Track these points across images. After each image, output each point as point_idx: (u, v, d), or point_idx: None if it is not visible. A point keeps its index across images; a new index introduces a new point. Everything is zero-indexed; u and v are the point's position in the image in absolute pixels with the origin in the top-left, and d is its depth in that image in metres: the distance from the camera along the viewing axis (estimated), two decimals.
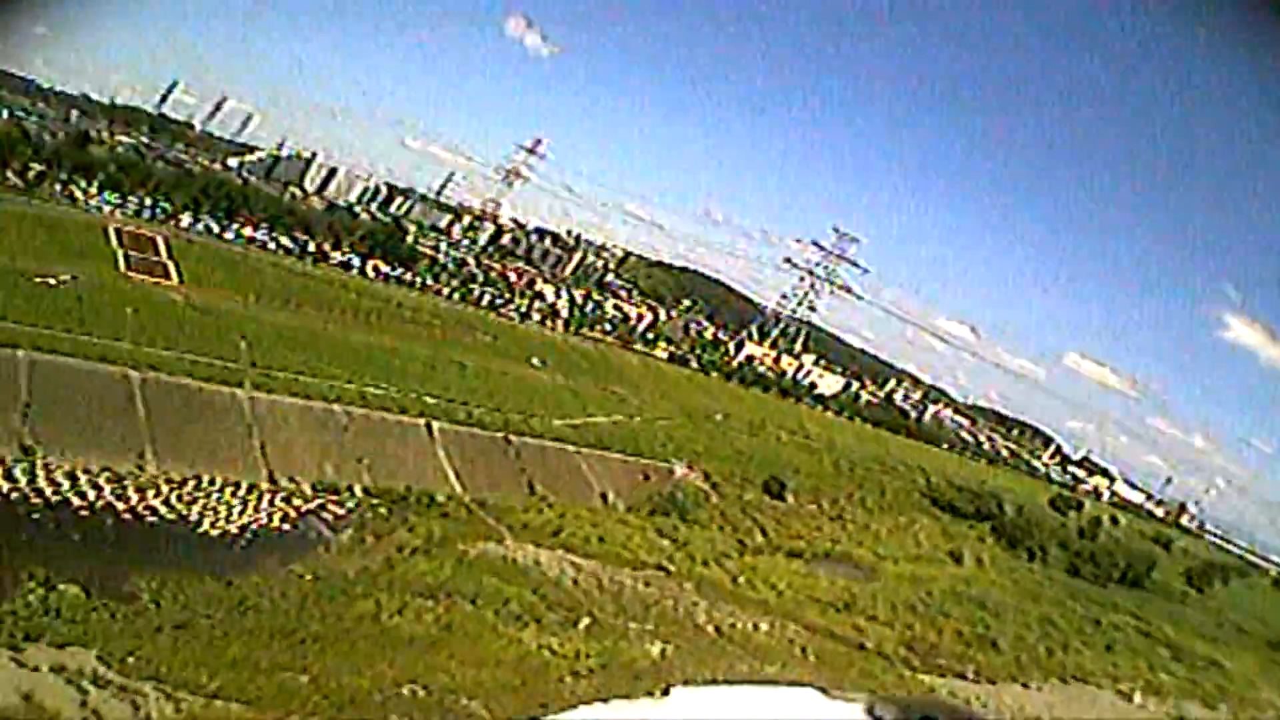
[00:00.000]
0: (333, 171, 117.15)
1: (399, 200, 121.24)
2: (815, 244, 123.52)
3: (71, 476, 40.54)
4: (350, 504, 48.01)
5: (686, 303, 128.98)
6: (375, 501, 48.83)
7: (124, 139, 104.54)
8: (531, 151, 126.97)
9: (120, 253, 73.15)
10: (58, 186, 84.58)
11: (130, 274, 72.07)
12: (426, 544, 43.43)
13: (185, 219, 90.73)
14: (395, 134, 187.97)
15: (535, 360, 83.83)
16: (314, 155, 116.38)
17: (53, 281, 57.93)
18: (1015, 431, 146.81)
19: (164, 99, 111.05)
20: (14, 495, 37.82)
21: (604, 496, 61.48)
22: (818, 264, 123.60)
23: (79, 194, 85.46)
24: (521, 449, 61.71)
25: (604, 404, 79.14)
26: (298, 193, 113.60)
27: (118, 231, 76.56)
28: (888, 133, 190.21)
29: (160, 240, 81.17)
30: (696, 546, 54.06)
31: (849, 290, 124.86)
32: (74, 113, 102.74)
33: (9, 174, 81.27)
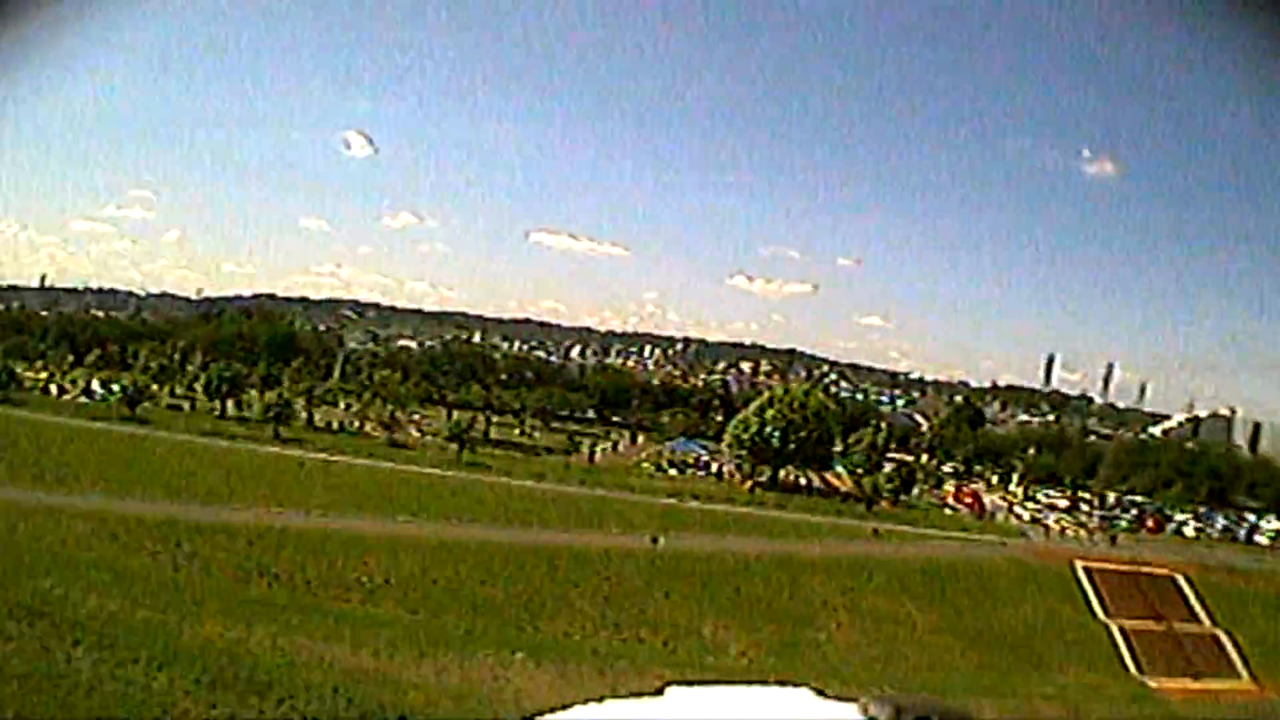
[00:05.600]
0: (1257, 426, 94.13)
1: None
2: None
3: None
4: None
5: None
6: None
7: (1022, 416, 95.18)
8: None
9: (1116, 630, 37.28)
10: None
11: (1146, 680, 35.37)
12: None
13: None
14: None
15: None
16: (1234, 411, 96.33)
17: None
18: None
19: (1047, 376, 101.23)
20: None
21: None
22: None
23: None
24: None
25: None
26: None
27: (1089, 572, 41.46)
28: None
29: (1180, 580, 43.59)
30: None
31: None
32: (955, 398, 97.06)
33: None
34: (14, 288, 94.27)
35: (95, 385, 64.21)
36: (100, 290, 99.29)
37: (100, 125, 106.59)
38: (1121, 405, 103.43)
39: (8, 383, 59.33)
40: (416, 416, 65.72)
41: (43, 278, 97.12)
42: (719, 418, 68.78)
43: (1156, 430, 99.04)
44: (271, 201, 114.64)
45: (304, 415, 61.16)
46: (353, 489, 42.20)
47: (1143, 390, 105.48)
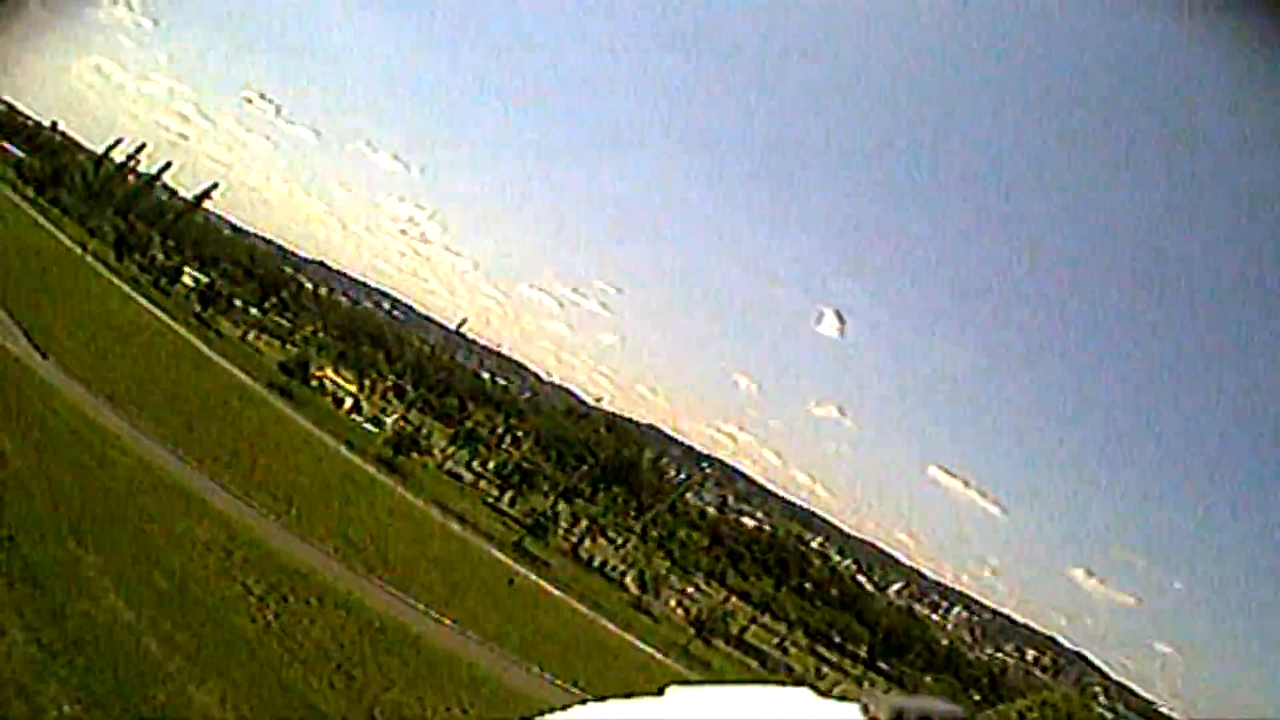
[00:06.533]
0: None
1: None
2: None
3: None
4: None
5: None
6: None
7: None
8: None
9: None
10: None
11: None
12: None
13: None
14: None
15: None
16: None
17: None
18: None
19: None
20: None
21: None
22: None
23: None
24: None
25: None
26: None
27: None
28: None
29: None
30: None
31: None
32: None
33: None
34: (431, 320, 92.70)
35: (387, 418, 60.58)
36: (507, 358, 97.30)
37: (587, 222, 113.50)
38: None
39: (296, 371, 55.16)
40: (689, 589, 57.55)
41: (461, 321, 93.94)
42: (977, 698, 66.05)
43: None
44: (725, 347, 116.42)
45: (573, 541, 55.11)
46: (528, 633, 33.42)
47: None
